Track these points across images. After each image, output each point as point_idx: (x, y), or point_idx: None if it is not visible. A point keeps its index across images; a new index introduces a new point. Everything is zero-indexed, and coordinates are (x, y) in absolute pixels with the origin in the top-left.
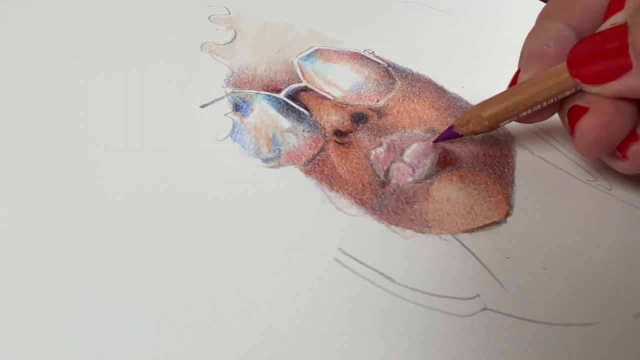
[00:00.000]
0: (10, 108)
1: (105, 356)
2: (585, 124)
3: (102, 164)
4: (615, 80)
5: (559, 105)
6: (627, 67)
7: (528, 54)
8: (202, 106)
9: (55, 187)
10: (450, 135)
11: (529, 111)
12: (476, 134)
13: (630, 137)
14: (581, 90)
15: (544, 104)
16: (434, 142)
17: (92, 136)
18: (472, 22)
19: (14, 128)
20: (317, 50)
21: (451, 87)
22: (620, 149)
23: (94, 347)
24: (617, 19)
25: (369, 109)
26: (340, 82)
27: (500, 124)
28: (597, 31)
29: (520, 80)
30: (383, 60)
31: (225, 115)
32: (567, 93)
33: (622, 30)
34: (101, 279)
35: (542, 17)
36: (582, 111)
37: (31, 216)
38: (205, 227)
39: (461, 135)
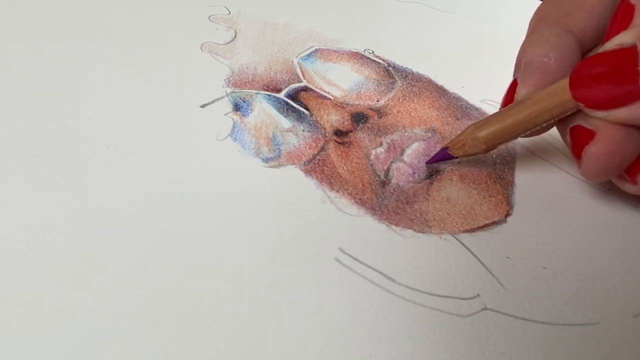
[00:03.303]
0: (10, 107)
1: (107, 357)
2: (594, 151)
3: (102, 164)
4: (622, 108)
5: (558, 120)
6: (637, 96)
7: (526, 65)
8: (202, 106)
9: (55, 186)
10: (444, 156)
11: (527, 132)
12: (472, 155)
13: None
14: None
15: (544, 124)
16: (427, 163)
17: (92, 136)
18: (472, 22)
19: (14, 127)
20: (317, 50)
21: (451, 87)
22: (630, 173)
23: (95, 347)
24: (624, 39)
25: (369, 108)
26: (340, 81)
27: (497, 146)
28: (602, 50)
29: (517, 95)
30: (383, 60)
31: (225, 115)
32: (569, 112)
33: (631, 54)
34: (100, 277)
35: (540, 20)
36: (587, 134)
37: (32, 216)
38: (205, 227)
39: (456, 157)
